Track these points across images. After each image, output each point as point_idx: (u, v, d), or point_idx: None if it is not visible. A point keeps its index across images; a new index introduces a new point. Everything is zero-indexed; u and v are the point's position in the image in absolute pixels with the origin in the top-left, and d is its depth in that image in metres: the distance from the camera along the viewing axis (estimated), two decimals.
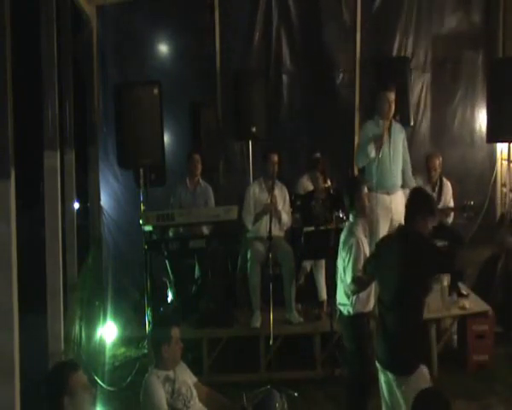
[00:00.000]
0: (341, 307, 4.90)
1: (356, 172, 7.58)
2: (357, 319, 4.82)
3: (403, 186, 6.45)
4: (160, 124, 6.60)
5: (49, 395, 3.18)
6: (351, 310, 4.80)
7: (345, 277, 4.77)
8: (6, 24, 3.09)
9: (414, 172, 6.91)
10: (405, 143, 6.56)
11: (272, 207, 6.32)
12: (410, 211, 4.09)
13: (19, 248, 3.26)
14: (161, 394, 3.97)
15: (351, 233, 4.82)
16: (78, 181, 6.68)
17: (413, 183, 6.62)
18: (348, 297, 4.78)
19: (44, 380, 3.24)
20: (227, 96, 7.75)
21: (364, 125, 6.52)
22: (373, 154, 6.22)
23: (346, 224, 5.00)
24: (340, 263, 4.89)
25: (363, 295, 4.73)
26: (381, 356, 4.08)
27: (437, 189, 7.03)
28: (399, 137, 6.45)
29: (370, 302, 4.86)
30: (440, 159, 7.15)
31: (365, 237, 4.99)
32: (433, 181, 7.04)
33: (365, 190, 4.97)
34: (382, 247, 4.26)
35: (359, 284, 4.57)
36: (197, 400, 4.14)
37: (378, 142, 6.21)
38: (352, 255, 4.69)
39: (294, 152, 7.95)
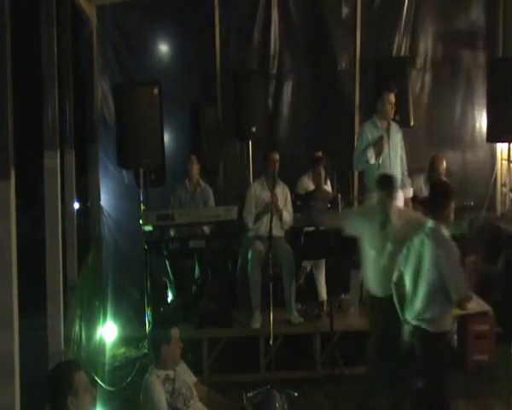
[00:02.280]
0: (424, 324, 4.42)
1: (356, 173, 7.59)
2: (444, 337, 4.50)
3: (400, 187, 6.46)
4: (160, 124, 6.61)
5: (53, 394, 3.17)
6: (438, 327, 4.41)
7: (444, 287, 4.30)
8: (6, 24, 3.08)
9: (413, 172, 6.91)
10: (402, 143, 6.57)
11: (273, 207, 6.32)
12: None
13: (19, 248, 3.25)
14: (161, 393, 3.97)
15: (444, 240, 4.37)
16: (78, 181, 6.68)
17: (409, 182, 6.63)
18: (436, 313, 4.40)
19: (48, 380, 3.23)
20: (227, 96, 7.75)
21: (363, 127, 6.52)
22: (373, 160, 6.22)
23: (427, 231, 4.45)
24: (423, 274, 4.40)
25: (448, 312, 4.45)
26: None
27: None
28: (397, 137, 6.47)
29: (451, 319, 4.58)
30: (444, 162, 7.16)
31: None
32: None
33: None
34: None
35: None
36: (197, 399, 4.15)
37: (378, 147, 6.21)
38: (456, 263, 4.30)
39: (294, 152, 7.95)
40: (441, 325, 4.43)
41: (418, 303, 4.45)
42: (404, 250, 4.60)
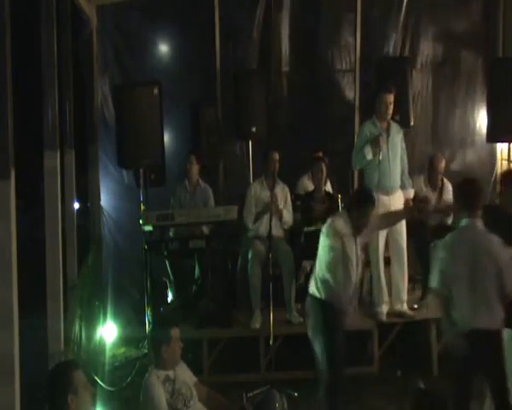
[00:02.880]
0: (481, 324, 4.25)
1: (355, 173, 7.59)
2: (500, 335, 4.32)
3: (401, 187, 6.46)
4: (160, 124, 6.60)
5: (53, 393, 3.18)
6: (496, 325, 4.28)
7: (499, 283, 4.24)
8: (6, 24, 3.09)
9: (414, 173, 6.90)
10: (403, 144, 6.56)
11: (273, 206, 6.32)
12: None
13: (19, 248, 3.26)
14: (161, 394, 3.97)
15: (488, 236, 4.32)
16: (78, 181, 6.68)
17: (410, 183, 6.62)
18: (494, 311, 4.29)
19: (48, 379, 3.24)
20: (227, 96, 7.75)
21: (362, 126, 6.53)
22: (370, 156, 6.21)
23: (464, 229, 4.40)
24: (478, 274, 4.27)
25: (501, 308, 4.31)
26: None
27: (438, 190, 7.03)
28: (398, 137, 6.46)
29: None
30: (444, 161, 7.16)
31: None
32: (437, 183, 7.02)
33: None
34: None
35: None
36: (197, 399, 4.15)
37: (375, 144, 6.21)
38: (508, 256, 4.24)
39: (294, 152, 7.94)
40: (498, 322, 4.30)
41: (475, 305, 4.29)
42: (442, 254, 4.45)
